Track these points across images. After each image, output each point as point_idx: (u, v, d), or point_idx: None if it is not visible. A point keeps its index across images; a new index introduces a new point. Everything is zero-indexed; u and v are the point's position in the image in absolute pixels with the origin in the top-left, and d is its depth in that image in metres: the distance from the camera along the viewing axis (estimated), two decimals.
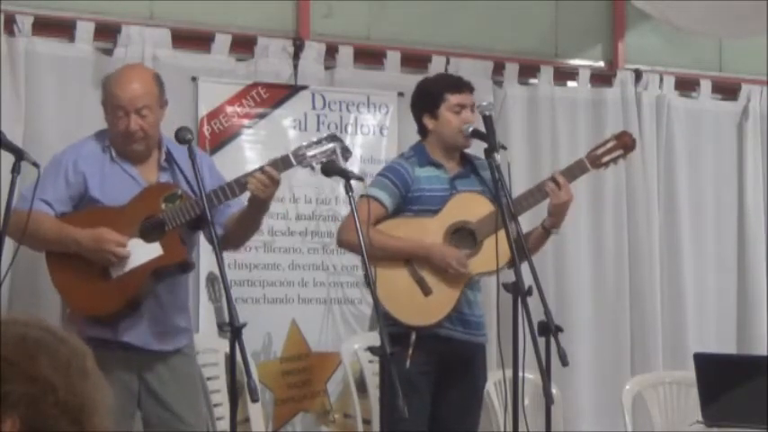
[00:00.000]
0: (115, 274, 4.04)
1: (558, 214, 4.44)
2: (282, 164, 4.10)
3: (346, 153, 4.13)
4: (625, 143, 4.59)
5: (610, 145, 4.57)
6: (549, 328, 3.75)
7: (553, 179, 4.42)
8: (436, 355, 4.37)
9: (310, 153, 4.09)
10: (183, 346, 4.24)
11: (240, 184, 4.05)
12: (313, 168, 4.16)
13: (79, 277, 4.05)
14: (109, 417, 1.66)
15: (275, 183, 4.05)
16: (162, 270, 4.07)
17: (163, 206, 4.06)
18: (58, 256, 4.08)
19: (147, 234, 4.07)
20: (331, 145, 4.08)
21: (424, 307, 4.36)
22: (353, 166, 5.50)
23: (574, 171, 4.51)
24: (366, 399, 5.13)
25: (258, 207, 4.13)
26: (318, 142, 4.12)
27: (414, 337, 4.29)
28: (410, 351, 4.27)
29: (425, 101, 4.55)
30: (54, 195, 4.07)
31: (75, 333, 3.97)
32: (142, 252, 4.05)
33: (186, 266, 4.18)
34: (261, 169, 4.06)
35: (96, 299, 4.05)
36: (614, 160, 4.58)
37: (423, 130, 4.58)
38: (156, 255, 4.04)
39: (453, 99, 4.48)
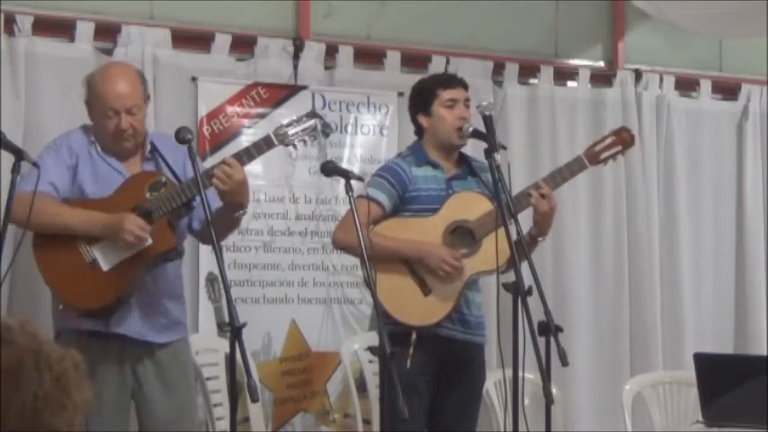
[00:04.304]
0: (106, 267, 4.02)
1: (542, 224, 4.41)
2: (265, 144, 4.07)
3: (327, 129, 4.12)
4: (623, 139, 4.55)
5: (608, 141, 4.54)
6: (549, 328, 3.75)
7: (537, 186, 4.39)
8: (436, 355, 4.36)
9: (292, 131, 4.06)
10: (178, 339, 4.22)
11: (208, 176, 4.00)
12: (295, 147, 4.14)
13: (70, 272, 4.03)
14: (79, 413, 1.67)
15: (237, 175, 3.98)
16: (153, 259, 4.06)
17: (148, 195, 4.04)
18: (47, 251, 4.05)
19: None
20: (312, 122, 4.07)
21: (423, 307, 4.35)
22: (353, 166, 5.52)
23: (572, 168, 4.49)
24: (366, 399, 5.13)
25: (227, 203, 4.06)
26: (298, 120, 4.10)
27: (414, 336, 4.29)
28: (411, 351, 4.27)
29: (418, 100, 4.56)
30: (59, 179, 4.04)
31: (69, 327, 3.96)
32: None
33: (176, 254, 4.16)
34: (222, 161, 4.03)
35: (89, 292, 4.03)
36: (613, 156, 4.53)
37: (419, 130, 4.58)
38: (146, 244, 4.01)
39: (445, 94, 4.49)
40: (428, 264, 4.33)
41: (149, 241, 3.98)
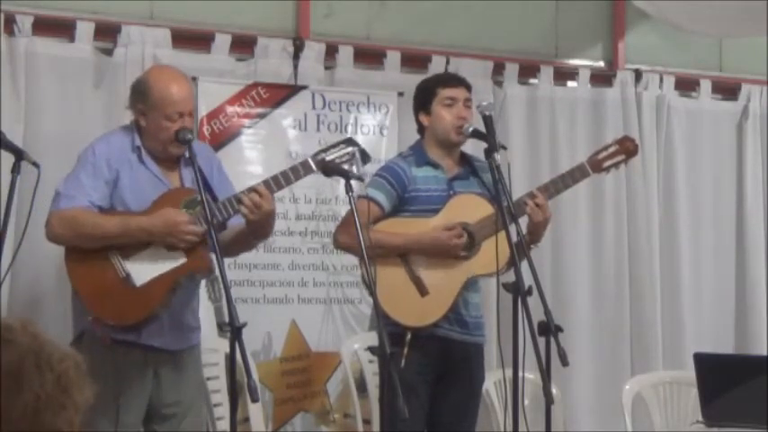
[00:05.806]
0: (139, 283, 3.98)
1: (535, 233, 4.41)
2: (303, 169, 4.06)
3: (366, 157, 4.10)
4: (627, 148, 4.57)
5: (612, 149, 4.56)
6: (549, 328, 3.75)
7: (532, 196, 4.38)
8: (434, 355, 4.36)
9: (330, 158, 4.03)
10: (193, 345, 4.24)
11: (238, 200, 4.00)
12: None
13: (102, 286, 3.98)
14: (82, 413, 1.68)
15: (267, 206, 3.98)
16: (186, 276, 4.04)
17: (183, 212, 4.01)
18: (80, 263, 4.00)
19: None
20: (350, 149, 4.04)
21: (420, 307, 4.35)
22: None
23: (575, 175, 4.49)
24: (366, 399, 5.13)
25: (251, 229, 4.06)
26: (336, 146, 4.08)
27: (409, 336, 4.29)
28: (405, 350, 4.26)
29: (420, 99, 4.57)
30: (97, 195, 4.01)
31: (99, 337, 3.94)
32: (166, 260, 3.99)
33: (208, 272, 4.17)
34: (252, 188, 4.00)
35: (124, 309, 3.99)
36: (616, 165, 4.55)
37: (421, 129, 4.58)
38: (180, 263, 3.99)
39: (444, 93, 4.48)
40: (434, 252, 4.32)
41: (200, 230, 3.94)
